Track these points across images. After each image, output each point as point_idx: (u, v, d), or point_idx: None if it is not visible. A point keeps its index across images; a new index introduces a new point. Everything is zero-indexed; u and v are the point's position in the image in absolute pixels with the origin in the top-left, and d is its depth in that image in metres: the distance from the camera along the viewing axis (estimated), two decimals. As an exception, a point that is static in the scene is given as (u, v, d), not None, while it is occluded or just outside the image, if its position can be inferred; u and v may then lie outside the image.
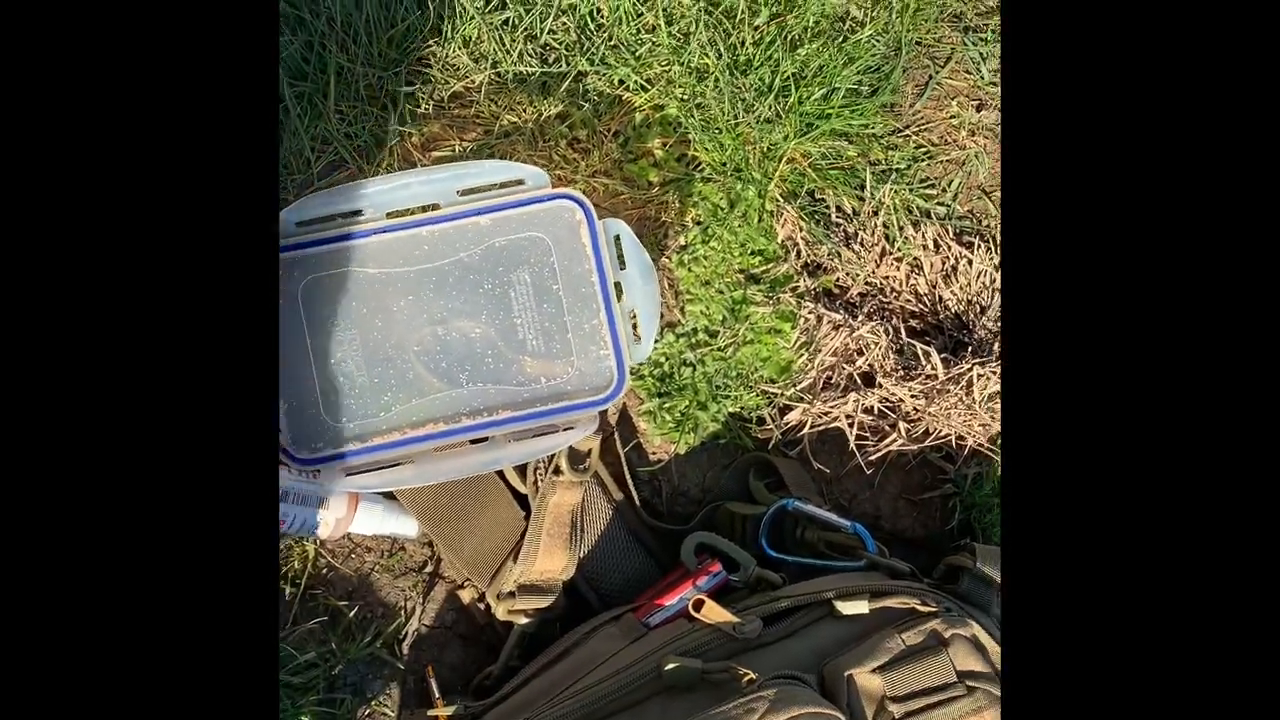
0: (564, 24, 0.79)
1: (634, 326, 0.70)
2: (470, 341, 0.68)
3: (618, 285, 0.69)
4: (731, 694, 0.63)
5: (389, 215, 0.68)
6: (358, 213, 0.68)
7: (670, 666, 0.66)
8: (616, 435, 0.79)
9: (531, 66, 0.78)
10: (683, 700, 0.65)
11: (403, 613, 0.73)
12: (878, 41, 0.83)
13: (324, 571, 0.71)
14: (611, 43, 0.80)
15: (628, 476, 0.79)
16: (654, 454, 0.82)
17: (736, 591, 0.75)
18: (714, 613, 0.69)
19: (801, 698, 0.62)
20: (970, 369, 0.80)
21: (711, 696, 0.64)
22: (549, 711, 0.67)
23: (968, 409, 0.80)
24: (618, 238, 0.69)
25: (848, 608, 0.69)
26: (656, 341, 0.78)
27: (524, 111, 0.78)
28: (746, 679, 0.64)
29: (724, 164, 0.81)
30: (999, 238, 0.87)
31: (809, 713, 0.61)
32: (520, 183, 0.69)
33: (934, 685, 0.65)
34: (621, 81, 0.80)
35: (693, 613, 0.69)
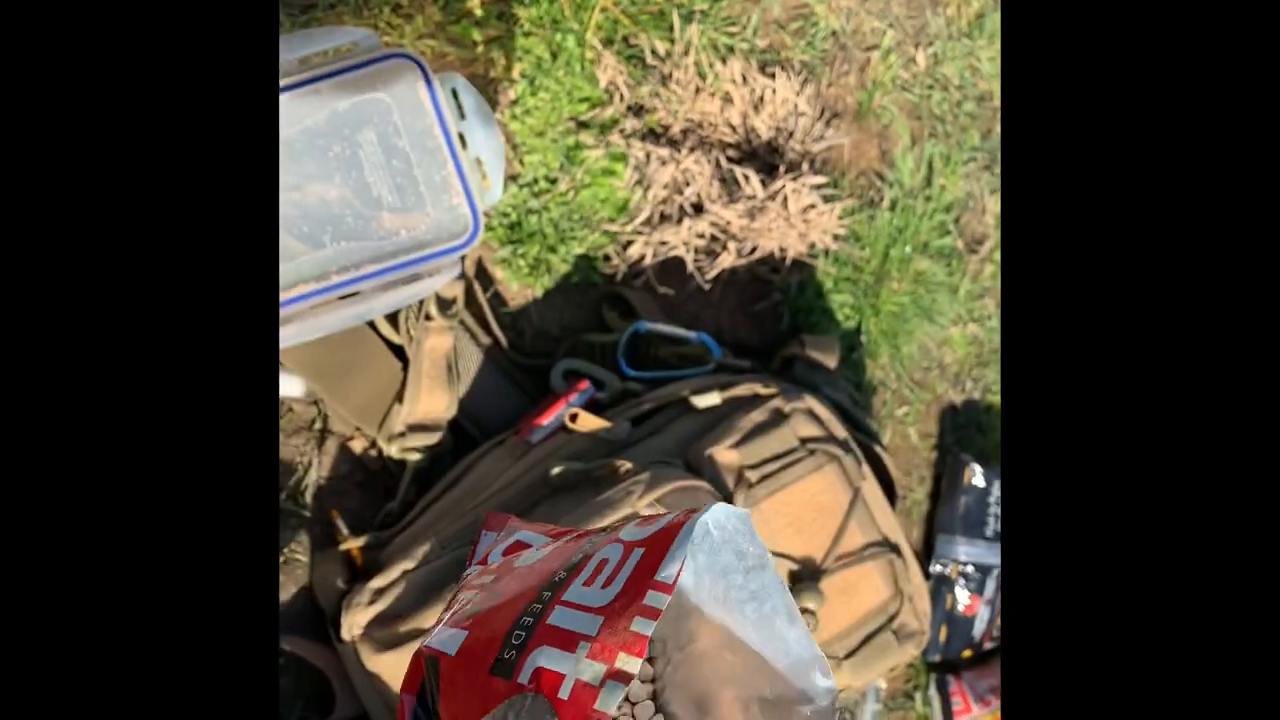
0: (369, -110, 0.81)
1: (482, 173, 0.75)
2: (328, 204, 0.72)
3: (461, 136, 0.74)
4: (611, 485, 0.72)
5: (229, 89, 0.70)
6: (197, 90, 0.69)
7: (556, 471, 0.74)
8: (477, 285, 0.85)
9: (344, -65, 0.80)
10: (569, 497, 0.74)
11: (300, 468, 0.78)
12: (670, -111, 0.89)
13: (219, 438, 0.75)
14: (419, -94, 0.82)
15: (492, 321, 0.85)
16: (513, 299, 0.88)
17: (604, 406, 0.84)
18: (587, 422, 0.78)
19: (673, 475, 0.72)
20: (783, 186, 0.90)
21: (595, 490, 0.73)
22: (450, 528, 0.74)
23: (786, 222, 0.90)
24: (455, 90, 0.74)
25: (702, 401, 0.79)
26: (504, 187, 0.83)
27: (343, -19, 0.80)
28: (624, 469, 0.73)
29: (541, 17, 0.86)
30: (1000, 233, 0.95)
31: (680, 486, 0.71)
32: (354, 47, 0.72)
33: (781, 451, 0.76)
34: (434, -56, 0.83)
35: (569, 424, 0.78)
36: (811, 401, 0.79)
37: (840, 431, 0.79)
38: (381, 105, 0.73)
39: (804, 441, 0.77)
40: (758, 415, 0.77)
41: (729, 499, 0.74)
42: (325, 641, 0.75)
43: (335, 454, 0.80)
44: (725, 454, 0.75)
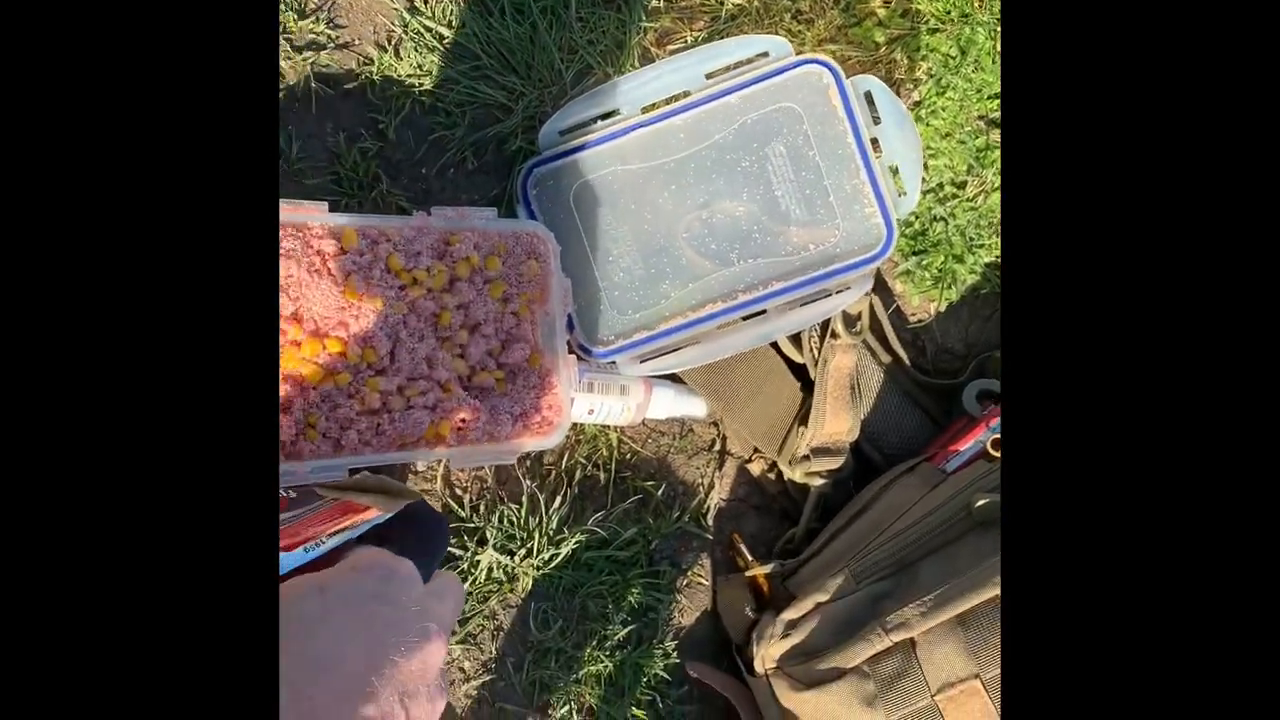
0: (771, -103, 0.78)
1: (897, 180, 0.70)
2: (736, 220, 0.70)
3: (874, 141, 0.70)
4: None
5: (643, 110, 0.70)
6: (614, 113, 0.70)
7: (980, 503, 0.67)
8: (876, 300, 0.80)
9: (746, -54, 0.79)
10: (995, 534, 0.67)
11: (701, 489, 0.77)
12: None
13: (628, 456, 0.76)
14: (819, -93, 0.79)
15: (893, 338, 0.80)
16: (914, 315, 0.82)
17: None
18: (1013, 450, 0.70)
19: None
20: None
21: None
22: (861, 561, 0.70)
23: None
24: (868, 93, 0.70)
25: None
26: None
27: (744, -8, 0.79)
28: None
29: (948, 11, 0.80)
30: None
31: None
32: (764, 55, 0.70)
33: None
34: (834, -55, 0.79)
35: (992, 451, 0.70)
36: None
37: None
38: (791, 115, 0.70)
39: None
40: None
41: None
42: (731, 670, 0.73)
43: (733, 476, 0.78)
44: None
